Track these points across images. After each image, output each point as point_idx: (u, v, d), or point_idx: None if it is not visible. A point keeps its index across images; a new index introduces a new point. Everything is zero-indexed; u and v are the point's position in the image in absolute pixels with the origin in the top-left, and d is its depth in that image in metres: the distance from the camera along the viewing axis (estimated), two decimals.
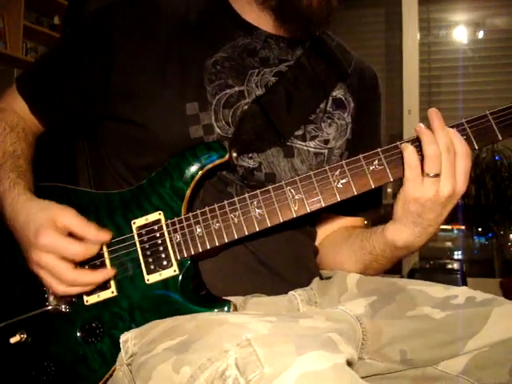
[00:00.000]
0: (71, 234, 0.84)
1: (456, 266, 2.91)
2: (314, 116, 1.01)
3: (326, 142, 1.00)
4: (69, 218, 0.83)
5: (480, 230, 3.40)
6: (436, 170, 0.81)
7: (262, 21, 1.00)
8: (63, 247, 0.81)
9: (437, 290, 0.90)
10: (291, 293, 0.95)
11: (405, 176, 0.83)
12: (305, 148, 0.98)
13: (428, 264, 3.11)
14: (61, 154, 1.29)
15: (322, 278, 1.05)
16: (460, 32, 3.59)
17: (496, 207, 2.99)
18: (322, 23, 0.98)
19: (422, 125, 0.83)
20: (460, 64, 3.46)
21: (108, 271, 0.85)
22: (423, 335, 0.83)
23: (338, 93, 1.05)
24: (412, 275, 2.82)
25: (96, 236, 0.84)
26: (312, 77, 1.01)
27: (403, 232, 0.89)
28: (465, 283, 2.76)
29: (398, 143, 0.85)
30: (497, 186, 2.95)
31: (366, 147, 0.86)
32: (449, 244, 3.60)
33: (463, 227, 3.45)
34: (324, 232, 1.12)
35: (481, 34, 3.54)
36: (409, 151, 0.82)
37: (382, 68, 3.68)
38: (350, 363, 0.65)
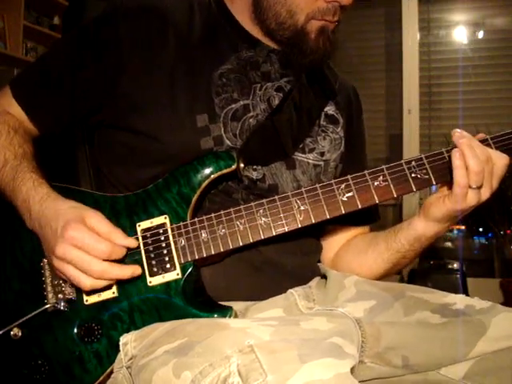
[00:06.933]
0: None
1: (456, 265, 2.92)
2: (311, 130, 1.03)
3: (322, 154, 1.03)
4: (98, 219, 0.83)
5: (480, 230, 3.40)
6: (480, 183, 0.85)
7: (264, 36, 1.01)
8: (91, 243, 0.80)
9: (435, 297, 0.91)
10: (289, 291, 0.96)
11: (454, 193, 0.85)
12: (305, 160, 1.01)
13: (428, 264, 3.11)
14: (62, 158, 1.29)
15: (322, 276, 1.06)
16: (460, 32, 3.59)
17: (496, 207, 2.99)
18: (324, 62, 1.01)
19: (463, 138, 0.85)
20: (460, 64, 3.46)
21: (136, 268, 0.84)
22: (423, 341, 0.84)
23: (329, 109, 1.07)
24: (412, 275, 2.82)
25: (123, 241, 0.83)
26: (310, 94, 1.03)
27: (436, 226, 0.94)
28: (465, 283, 2.77)
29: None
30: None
31: (360, 160, 0.88)
32: (449, 244, 3.60)
33: (463, 227, 3.45)
34: (337, 243, 1.14)
35: (481, 34, 3.54)
36: (461, 173, 0.84)
37: (382, 68, 3.68)
38: (351, 368, 0.66)
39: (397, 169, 0.88)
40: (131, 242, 0.85)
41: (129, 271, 0.83)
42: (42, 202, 0.86)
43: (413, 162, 0.88)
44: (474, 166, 0.83)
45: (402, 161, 0.88)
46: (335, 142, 1.06)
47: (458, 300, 0.90)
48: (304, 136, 1.02)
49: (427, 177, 0.87)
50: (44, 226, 0.85)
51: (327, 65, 1.11)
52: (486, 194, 0.87)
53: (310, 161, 1.02)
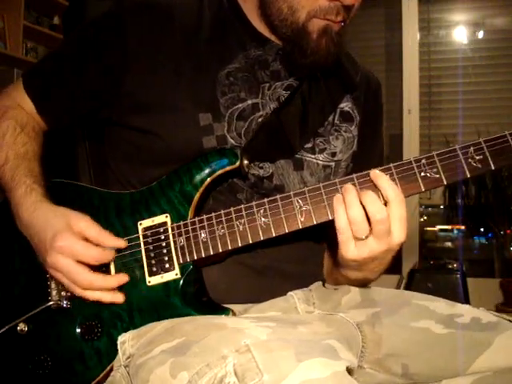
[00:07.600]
0: (87, 241, 0.85)
1: (456, 265, 2.91)
2: (322, 129, 1.01)
3: (334, 154, 1.00)
4: (85, 224, 0.84)
5: (480, 230, 3.40)
6: (364, 234, 0.78)
7: (272, 33, 1.00)
8: (80, 251, 0.82)
9: (442, 307, 0.90)
10: (289, 293, 0.95)
11: (338, 239, 0.80)
12: (314, 161, 0.98)
13: (428, 264, 3.11)
14: (62, 153, 1.29)
15: (324, 286, 1.05)
16: (460, 32, 3.59)
17: (496, 207, 2.99)
18: (328, 64, 0.97)
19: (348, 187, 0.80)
20: (460, 64, 3.45)
21: (121, 277, 0.86)
22: (425, 349, 0.83)
23: (345, 105, 1.04)
24: (412, 275, 2.82)
25: (111, 243, 0.85)
26: (323, 89, 1.01)
27: (351, 274, 0.90)
28: (465, 283, 2.76)
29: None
30: (497, 185, 2.95)
31: (370, 160, 0.84)
32: (449, 244, 3.60)
33: (463, 227, 3.45)
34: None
35: (481, 34, 3.53)
36: (338, 214, 0.79)
37: (382, 68, 3.67)
38: (349, 371, 0.65)
39: (405, 167, 0.82)
40: (120, 243, 0.86)
41: (113, 281, 0.85)
42: (30, 211, 0.87)
43: (423, 160, 0.82)
44: (352, 213, 0.77)
45: (412, 158, 0.83)
46: (348, 141, 1.03)
47: (465, 311, 0.88)
48: (313, 132, 0.99)
49: (438, 176, 0.81)
50: (33, 236, 0.87)
51: (348, 56, 1.08)
52: (377, 245, 0.79)
53: (319, 162, 0.99)
